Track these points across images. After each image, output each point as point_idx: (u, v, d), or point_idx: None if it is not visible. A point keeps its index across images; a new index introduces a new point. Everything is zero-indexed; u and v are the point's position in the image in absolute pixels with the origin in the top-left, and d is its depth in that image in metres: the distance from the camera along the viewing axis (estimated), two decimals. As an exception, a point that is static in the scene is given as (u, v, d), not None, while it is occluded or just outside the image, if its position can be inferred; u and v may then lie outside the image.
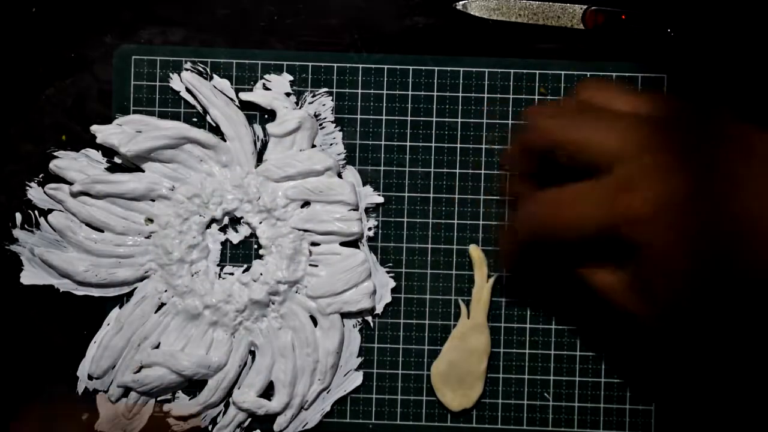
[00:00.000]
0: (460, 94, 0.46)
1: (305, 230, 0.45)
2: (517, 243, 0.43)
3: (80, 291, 0.46)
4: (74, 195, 0.45)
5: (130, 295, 0.46)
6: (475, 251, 0.46)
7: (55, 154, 0.46)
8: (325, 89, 0.46)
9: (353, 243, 0.46)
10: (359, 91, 0.46)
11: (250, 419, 0.46)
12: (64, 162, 0.46)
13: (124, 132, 0.45)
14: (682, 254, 0.36)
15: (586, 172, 0.38)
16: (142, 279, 0.46)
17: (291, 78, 0.46)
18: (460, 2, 0.46)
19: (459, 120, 0.46)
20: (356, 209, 0.46)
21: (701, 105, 0.40)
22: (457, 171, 0.46)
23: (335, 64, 0.46)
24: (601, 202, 0.37)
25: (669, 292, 0.37)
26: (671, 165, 0.36)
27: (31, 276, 0.46)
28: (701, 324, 0.38)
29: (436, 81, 0.46)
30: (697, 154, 0.36)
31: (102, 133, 0.45)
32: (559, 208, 0.39)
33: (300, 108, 0.46)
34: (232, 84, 0.46)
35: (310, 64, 0.46)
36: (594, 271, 0.41)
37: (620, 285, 0.39)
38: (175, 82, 0.46)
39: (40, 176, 0.46)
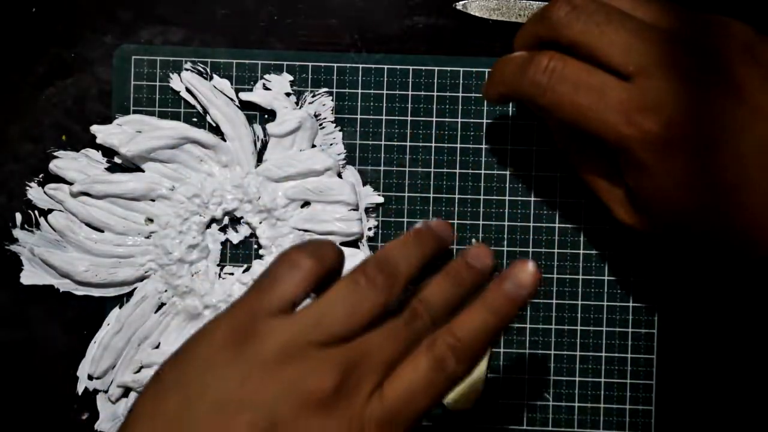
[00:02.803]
0: (460, 94, 0.46)
1: (305, 230, 0.45)
2: (504, 94, 0.40)
3: (80, 291, 0.46)
4: (74, 195, 0.45)
5: (130, 295, 0.46)
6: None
7: (55, 154, 0.46)
8: (325, 89, 0.46)
9: (353, 243, 0.46)
10: (359, 91, 0.46)
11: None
12: (64, 162, 0.46)
13: (124, 132, 0.45)
14: (687, 186, 0.36)
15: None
16: (142, 279, 0.46)
17: (291, 78, 0.46)
18: (460, 2, 0.46)
19: (459, 120, 0.46)
20: (356, 209, 0.46)
21: (723, 23, 0.38)
22: (457, 171, 0.46)
23: (335, 64, 0.46)
24: (619, 109, 0.36)
25: (669, 217, 0.37)
26: (694, 91, 0.36)
27: (31, 276, 0.46)
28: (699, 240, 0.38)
29: (436, 81, 0.46)
30: (722, 83, 0.36)
31: (102, 133, 0.45)
32: (577, 89, 0.37)
33: (300, 108, 0.46)
34: (232, 84, 0.46)
35: (310, 64, 0.46)
36: (596, 178, 0.41)
37: (620, 198, 0.40)
38: (175, 82, 0.46)
39: (40, 176, 0.46)
